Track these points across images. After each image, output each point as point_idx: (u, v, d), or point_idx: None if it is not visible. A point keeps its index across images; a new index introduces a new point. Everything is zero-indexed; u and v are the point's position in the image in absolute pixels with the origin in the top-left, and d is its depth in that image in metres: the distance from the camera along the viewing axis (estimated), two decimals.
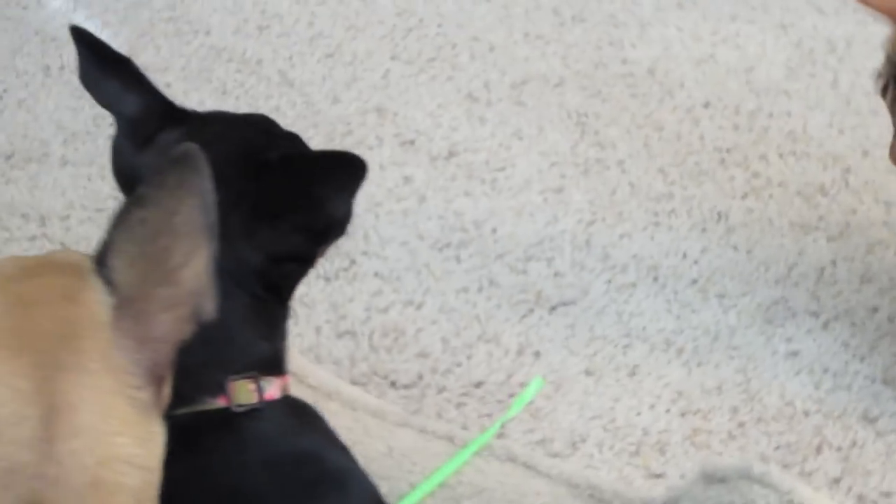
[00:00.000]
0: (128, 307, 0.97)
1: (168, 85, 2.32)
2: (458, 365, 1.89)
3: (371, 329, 1.94)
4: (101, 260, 0.97)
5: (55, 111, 2.37)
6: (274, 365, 1.25)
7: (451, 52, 2.53)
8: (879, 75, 1.63)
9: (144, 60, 2.29)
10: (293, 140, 1.32)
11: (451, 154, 2.27)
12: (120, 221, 0.96)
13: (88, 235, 2.08)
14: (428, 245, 2.09)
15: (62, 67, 2.48)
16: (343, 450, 1.26)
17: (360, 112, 2.37)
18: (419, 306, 1.98)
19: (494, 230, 2.12)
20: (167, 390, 1.01)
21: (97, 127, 2.32)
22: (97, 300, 0.97)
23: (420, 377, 1.87)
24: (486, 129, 2.34)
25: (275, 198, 1.22)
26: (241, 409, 1.20)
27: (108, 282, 0.97)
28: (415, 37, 2.58)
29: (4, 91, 2.44)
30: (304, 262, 1.28)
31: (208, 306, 0.99)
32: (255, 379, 1.21)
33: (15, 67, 2.49)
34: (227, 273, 1.13)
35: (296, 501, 1.17)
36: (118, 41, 2.52)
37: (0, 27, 2.60)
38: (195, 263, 0.98)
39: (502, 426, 1.70)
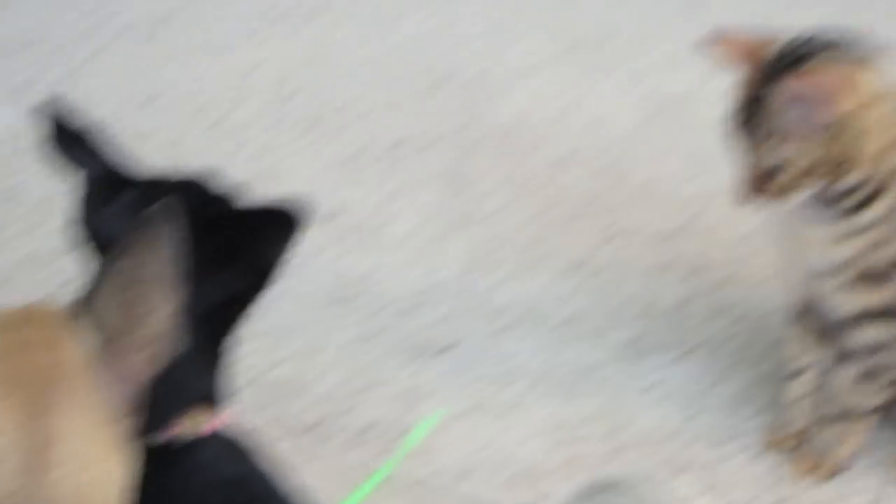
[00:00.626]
0: (108, 348, 1.11)
1: None
2: (355, 407, 2.04)
3: (272, 379, 2.08)
4: (83, 306, 1.11)
5: None
6: (214, 400, 1.39)
7: (329, 118, 2.69)
8: (729, 118, 1.79)
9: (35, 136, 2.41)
10: (232, 195, 1.44)
11: (335, 214, 2.43)
12: (102, 272, 1.11)
13: None
14: (319, 300, 2.24)
15: None
16: (274, 477, 1.38)
17: (248, 178, 2.51)
18: (315, 356, 2.13)
19: (379, 283, 2.28)
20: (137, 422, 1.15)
21: None
22: (79, 344, 1.11)
23: (322, 420, 2.02)
24: (365, 189, 2.50)
25: (219, 249, 1.36)
26: (183, 442, 1.33)
27: (91, 325, 1.11)
28: (293, 105, 2.74)
29: None
30: (243, 305, 1.42)
31: (173, 346, 1.14)
32: (197, 413, 1.35)
33: None
34: None
35: None
36: (6, 119, 2.64)
37: None
38: (165, 308, 1.12)
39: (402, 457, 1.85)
